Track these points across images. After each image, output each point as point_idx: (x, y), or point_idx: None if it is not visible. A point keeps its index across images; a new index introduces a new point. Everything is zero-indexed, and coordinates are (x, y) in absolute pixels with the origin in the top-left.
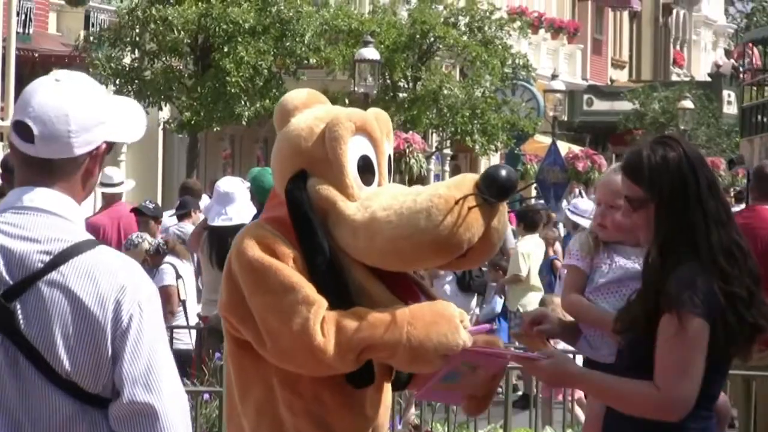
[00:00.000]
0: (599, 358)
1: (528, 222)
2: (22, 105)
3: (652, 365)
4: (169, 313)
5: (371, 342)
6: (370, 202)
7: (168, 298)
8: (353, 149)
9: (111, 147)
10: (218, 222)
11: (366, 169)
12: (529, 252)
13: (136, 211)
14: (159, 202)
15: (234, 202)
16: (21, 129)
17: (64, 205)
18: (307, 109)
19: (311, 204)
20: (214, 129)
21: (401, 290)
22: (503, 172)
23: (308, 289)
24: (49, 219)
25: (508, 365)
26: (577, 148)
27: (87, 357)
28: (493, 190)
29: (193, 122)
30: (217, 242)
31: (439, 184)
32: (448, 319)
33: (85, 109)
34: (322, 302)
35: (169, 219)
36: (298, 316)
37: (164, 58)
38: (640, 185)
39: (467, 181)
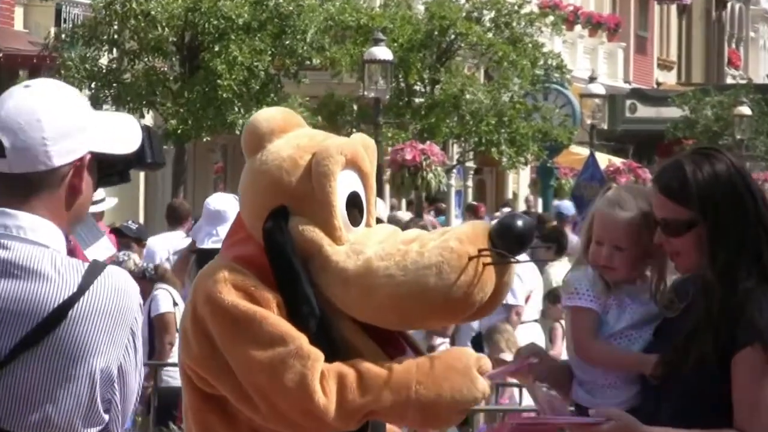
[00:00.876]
0: (600, 407)
1: (558, 244)
2: None
3: (725, 406)
4: (168, 344)
5: (376, 407)
6: (362, 247)
7: (166, 327)
8: (342, 185)
9: (98, 161)
10: (208, 244)
11: (355, 206)
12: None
13: (117, 231)
14: (141, 221)
15: (226, 221)
16: None
17: (47, 233)
18: (285, 135)
19: (293, 247)
20: (204, 139)
21: (388, 345)
22: (520, 223)
23: (301, 340)
24: (35, 251)
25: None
26: (618, 161)
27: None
28: (509, 244)
29: (179, 131)
30: (205, 263)
31: (447, 233)
32: (463, 371)
33: (60, 113)
34: (318, 355)
35: (183, 241)
36: (291, 371)
37: (146, 59)
38: (687, 206)
39: (480, 231)
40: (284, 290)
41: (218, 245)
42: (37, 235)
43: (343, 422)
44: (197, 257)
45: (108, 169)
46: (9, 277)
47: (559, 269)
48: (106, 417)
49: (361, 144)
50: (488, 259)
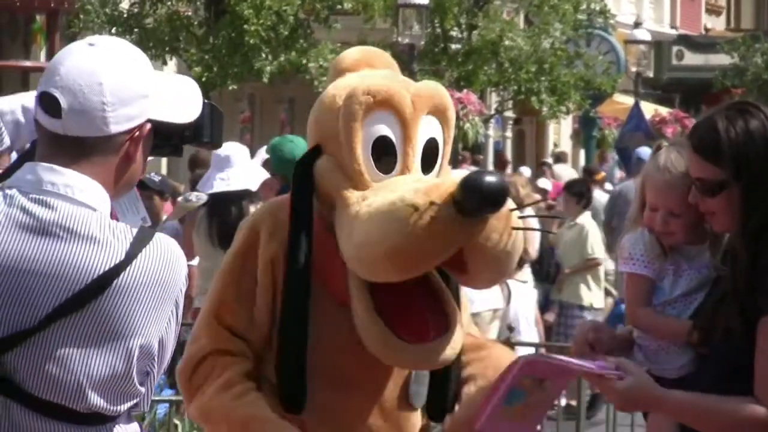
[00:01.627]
0: (662, 373)
1: (579, 196)
2: (49, 74)
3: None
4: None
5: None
6: (373, 194)
7: (190, 279)
8: (369, 128)
9: (157, 132)
10: (220, 188)
11: (384, 152)
12: (594, 230)
13: (140, 183)
14: (164, 173)
15: (233, 165)
16: (46, 102)
17: (95, 195)
18: (353, 74)
19: (312, 188)
20: (230, 87)
21: (407, 327)
22: (487, 179)
23: (231, 319)
24: (82, 212)
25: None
26: (664, 110)
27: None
28: (472, 201)
29: (204, 79)
30: (218, 214)
31: (416, 183)
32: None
33: (123, 77)
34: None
35: None
36: (197, 341)
37: (169, 2)
38: (719, 165)
39: (443, 187)
40: (290, 234)
41: (230, 188)
42: (85, 196)
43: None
44: (210, 205)
45: (162, 140)
46: (52, 237)
47: (589, 220)
48: (142, 390)
49: (413, 88)
50: (432, 213)
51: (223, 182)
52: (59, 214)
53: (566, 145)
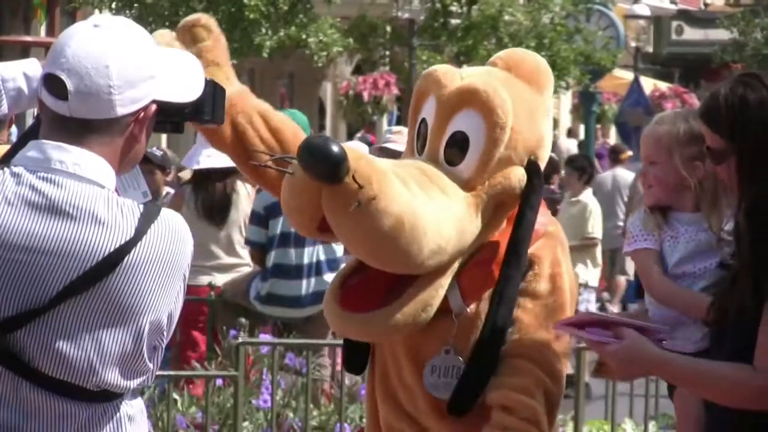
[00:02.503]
0: (679, 347)
1: (581, 170)
2: (54, 56)
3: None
4: None
5: None
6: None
7: None
8: (421, 110)
9: (160, 110)
10: (202, 164)
11: (421, 133)
12: (596, 209)
13: (143, 157)
14: (164, 146)
15: None
16: (52, 83)
17: (103, 172)
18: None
19: None
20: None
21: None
22: (314, 140)
23: None
24: (91, 190)
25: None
26: (664, 85)
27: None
28: (301, 158)
29: None
30: (204, 189)
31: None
32: None
33: (130, 60)
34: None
35: None
36: None
37: None
38: (719, 132)
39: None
40: None
41: (215, 164)
42: (93, 173)
43: None
44: (196, 181)
45: (164, 117)
46: (62, 216)
47: (590, 197)
48: (150, 366)
49: (463, 87)
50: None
51: (209, 159)
52: (68, 193)
53: (566, 120)
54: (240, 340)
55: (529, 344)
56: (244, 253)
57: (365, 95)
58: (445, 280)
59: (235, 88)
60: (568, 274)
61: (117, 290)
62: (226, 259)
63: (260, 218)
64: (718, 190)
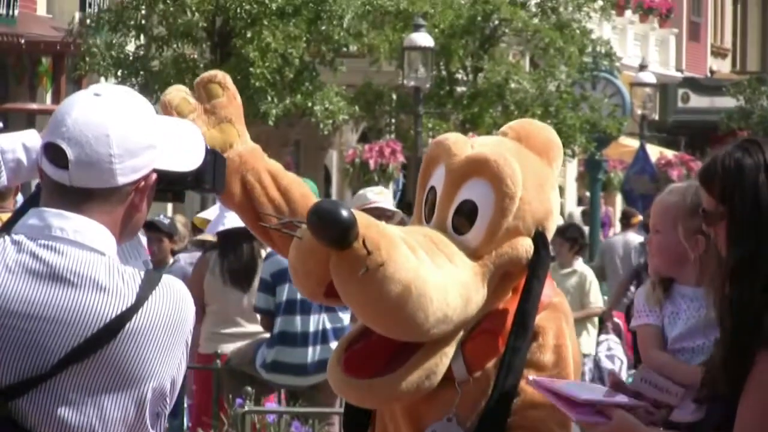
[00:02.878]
0: (678, 417)
1: (573, 241)
2: (55, 125)
3: None
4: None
5: None
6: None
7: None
8: (430, 178)
9: (161, 178)
10: (227, 224)
11: (430, 202)
12: (594, 278)
13: (151, 225)
14: (169, 214)
15: None
16: (53, 153)
17: (104, 240)
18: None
19: None
20: None
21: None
22: (324, 205)
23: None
24: (91, 257)
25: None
26: (670, 153)
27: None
28: (307, 220)
29: None
30: (231, 251)
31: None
32: None
33: (130, 129)
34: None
35: None
36: None
37: (175, 45)
38: (713, 195)
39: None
40: None
41: (237, 223)
42: (94, 241)
43: None
44: (221, 245)
45: (165, 186)
46: (63, 283)
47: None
48: None
49: (472, 157)
50: (301, 233)
51: (235, 218)
52: (69, 260)
53: (571, 188)
54: (246, 408)
55: (534, 416)
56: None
57: (371, 163)
58: (450, 349)
59: (247, 146)
60: (572, 345)
61: (119, 357)
62: (249, 327)
63: (267, 285)
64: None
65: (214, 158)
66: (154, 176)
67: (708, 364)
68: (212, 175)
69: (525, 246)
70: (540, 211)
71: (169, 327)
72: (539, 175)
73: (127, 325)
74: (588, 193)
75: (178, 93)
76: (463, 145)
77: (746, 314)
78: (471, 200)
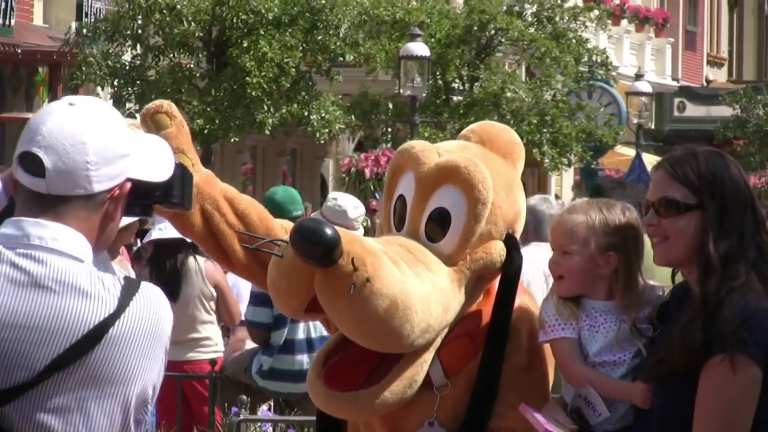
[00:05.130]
0: (603, 426)
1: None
2: (30, 134)
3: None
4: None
5: None
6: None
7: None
8: (397, 187)
9: (133, 189)
10: (154, 236)
11: (399, 210)
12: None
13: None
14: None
15: None
16: (29, 162)
17: (81, 247)
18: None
19: None
20: (232, 139)
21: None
22: (307, 224)
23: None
24: (71, 264)
25: None
26: None
27: None
28: (294, 242)
29: (206, 131)
30: (160, 262)
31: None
32: None
33: (105, 137)
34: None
35: None
36: None
37: (171, 55)
38: (688, 186)
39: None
40: None
41: (165, 236)
42: (72, 249)
43: None
44: (153, 253)
45: (134, 200)
46: (45, 291)
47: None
48: None
49: (442, 162)
50: (282, 251)
51: (159, 232)
52: (50, 268)
53: (568, 197)
54: (241, 417)
55: (514, 417)
56: (207, 328)
57: (367, 172)
58: (429, 356)
59: (201, 175)
60: (546, 345)
61: (103, 363)
62: (185, 335)
63: (262, 298)
64: (632, 278)
65: (183, 173)
66: (128, 185)
67: (663, 357)
68: (181, 190)
69: (498, 249)
70: (510, 214)
71: (149, 333)
72: (506, 177)
73: (110, 331)
74: None
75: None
76: (431, 152)
77: (714, 303)
78: (443, 207)
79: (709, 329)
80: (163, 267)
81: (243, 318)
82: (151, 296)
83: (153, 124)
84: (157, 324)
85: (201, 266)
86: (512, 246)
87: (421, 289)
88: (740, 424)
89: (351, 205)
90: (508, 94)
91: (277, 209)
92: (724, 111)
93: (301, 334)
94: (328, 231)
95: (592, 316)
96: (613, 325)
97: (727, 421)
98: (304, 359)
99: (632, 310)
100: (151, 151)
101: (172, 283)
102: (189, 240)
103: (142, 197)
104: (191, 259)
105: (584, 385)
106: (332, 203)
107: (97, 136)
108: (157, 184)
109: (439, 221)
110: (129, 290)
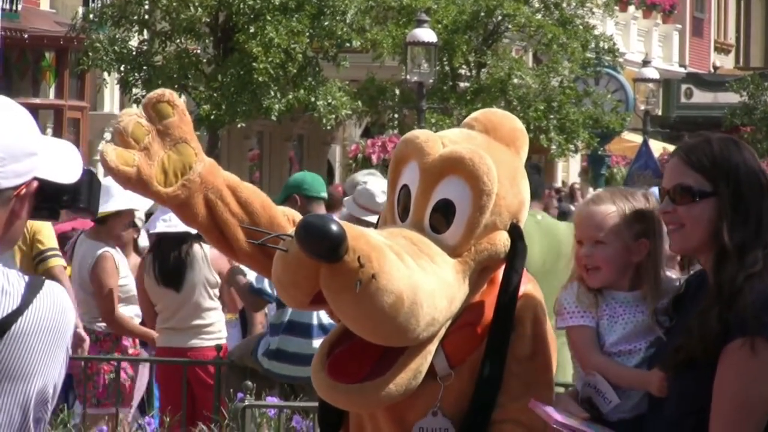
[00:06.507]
0: (617, 415)
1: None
2: None
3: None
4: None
5: None
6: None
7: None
8: (400, 177)
9: (40, 189)
10: (158, 229)
11: (403, 201)
12: None
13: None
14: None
15: None
16: None
17: None
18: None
19: None
20: (239, 125)
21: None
22: (312, 220)
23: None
24: None
25: None
26: (673, 149)
27: None
28: (295, 235)
29: (213, 117)
30: (163, 253)
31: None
32: None
33: (13, 134)
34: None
35: None
36: None
37: (178, 40)
38: (704, 174)
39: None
40: None
41: (170, 229)
42: None
43: None
44: (155, 246)
45: (41, 202)
46: None
47: None
48: None
49: (446, 153)
50: (287, 246)
51: (164, 223)
52: None
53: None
54: (246, 402)
55: (518, 408)
56: (210, 315)
57: (374, 158)
58: (433, 347)
59: (205, 164)
60: (549, 333)
61: (5, 357)
62: (189, 322)
63: None
64: (660, 265)
65: (91, 178)
66: (35, 184)
67: (683, 332)
68: (88, 194)
69: (503, 240)
70: (514, 204)
71: (52, 331)
72: (510, 167)
73: (13, 327)
74: (591, 189)
75: (130, 119)
76: (435, 143)
77: (731, 291)
78: (447, 199)
79: (727, 315)
80: (167, 257)
81: (250, 286)
82: (54, 295)
83: (155, 114)
84: (61, 322)
85: (206, 253)
86: (516, 235)
87: (426, 283)
88: (759, 407)
89: (380, 189)
90: (515, 81)
91: (310, 189)
92: (731, 98)
93: (307, 317)
94: (334, 227)
95: (612, 307)
96: (631, 317)
97: (745, 404)
98: (312, 343)
99: (656, 298)
100: (60, 153)
101: (176, 273)
102: (194, 232)
103: (50, 200)
104: (197, 246)
105: (592, 374)
106: (362, 187)
107: (5, 133)
108: (65, 187)
109: (444, 212)
110: (33, 287)
